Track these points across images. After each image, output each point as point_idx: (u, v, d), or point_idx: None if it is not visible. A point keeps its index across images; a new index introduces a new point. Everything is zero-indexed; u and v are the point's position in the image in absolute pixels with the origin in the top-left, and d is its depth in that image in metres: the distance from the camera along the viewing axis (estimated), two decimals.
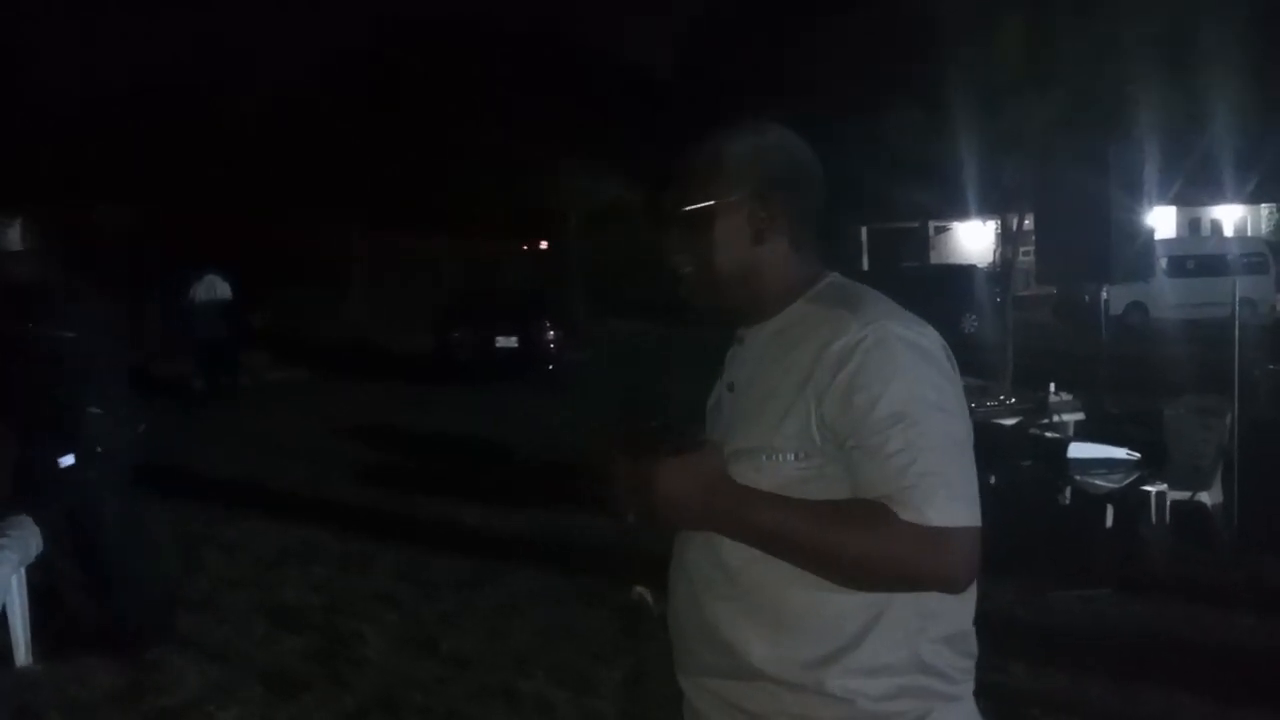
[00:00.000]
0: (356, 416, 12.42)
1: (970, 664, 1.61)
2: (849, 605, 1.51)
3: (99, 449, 4.70)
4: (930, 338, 1.54)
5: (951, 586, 1.48)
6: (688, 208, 1.64)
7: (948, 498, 1.44)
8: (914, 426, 1.44)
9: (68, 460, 4.64)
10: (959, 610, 1.57)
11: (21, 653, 4.75)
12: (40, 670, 4.73)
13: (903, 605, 1.51)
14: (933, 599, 1.51)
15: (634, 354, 17.63)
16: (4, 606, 4.64)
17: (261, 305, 17.59)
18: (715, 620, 1.59)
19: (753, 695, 1.57)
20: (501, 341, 15.96)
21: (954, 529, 1.44)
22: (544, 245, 24.96)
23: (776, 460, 1.52)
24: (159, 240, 19.89)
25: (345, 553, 6.61)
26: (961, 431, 1.51)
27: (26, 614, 4.80)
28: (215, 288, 14.75)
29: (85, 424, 4.68)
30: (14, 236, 4.71)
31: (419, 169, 29.91)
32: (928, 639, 1.53)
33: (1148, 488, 6.05)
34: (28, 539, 4.81)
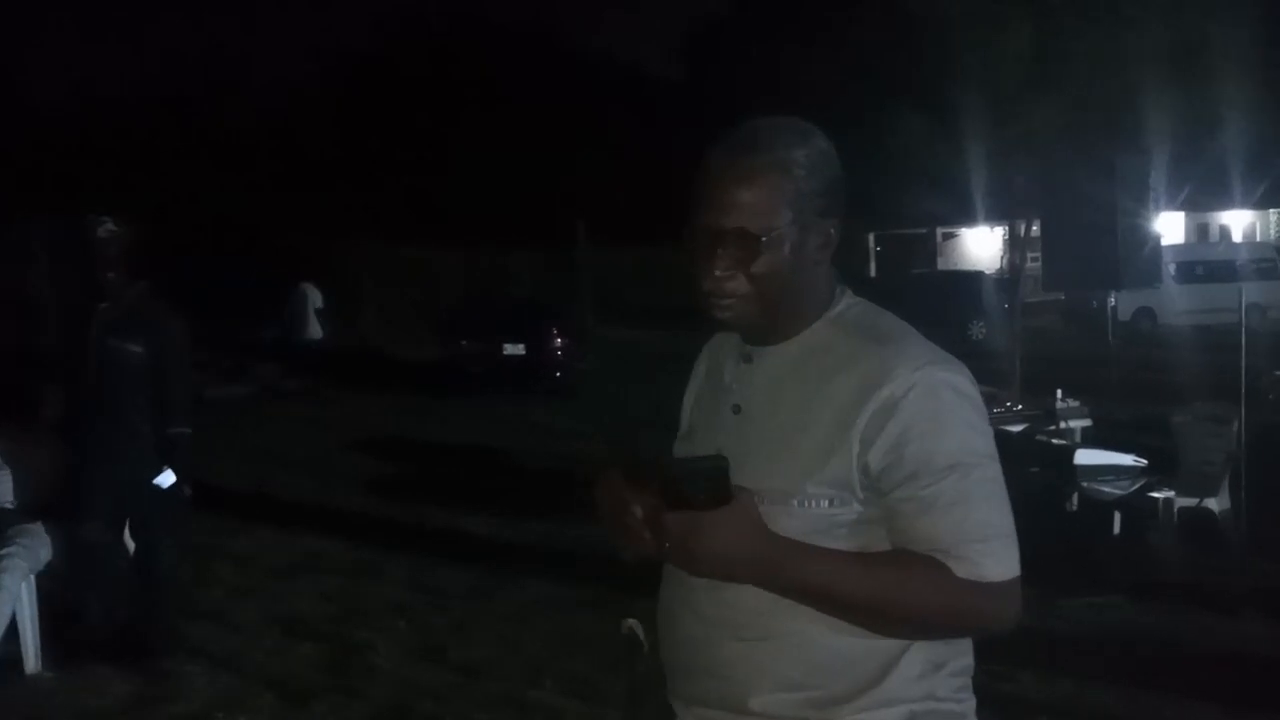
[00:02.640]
0: (365, 425, 12.45)
1: (970, 685, 1.60)
2: (874, 647, 1.48)
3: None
4: (967, 377, 1.52)
5: (1000, 632, 1.48)
6: (757, 230, 1.48)
7: (1002, 548, 1.44)
8: (966, 478, 1.43)
9: (169, 480, 4.68)
10: (970, 645, 1.58)
11: (32, 660, 4.77)
12: (51, 678, 4.75)
13: (923, 645, 1.50)
14: (955, 640, 1.53)
15: (641, 362, 17.66)
16: (14, 614, 4.66)
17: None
18: (731, 659, 1.52)
19: None
20: (509, 349, 15.96)
21: (1009, 580, 1.45)
22: (552, 253, 24.98)
23: (810, 506, 1.46)
24: (174, 248, 20.02)
25: (355, 562, 6.62)
26: (1002, 475, 1.50)
27: (37, 622, 4.83)
28: (310, 296, 17.07)
29: (181, 443, 4.74)
30: (111, 234, 4.75)
31: (427, 177, 30.00)
32: (943, 675, 1.53)
33: (1156, 494, 6.05)
34: (37, 547, 4.83)
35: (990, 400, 7.64)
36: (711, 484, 1.41)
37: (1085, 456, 6.31)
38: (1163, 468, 6.24)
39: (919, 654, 1.50)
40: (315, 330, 17.56)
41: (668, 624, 1.66)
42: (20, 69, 27.20)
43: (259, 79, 31.72)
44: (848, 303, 1.59)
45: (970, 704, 1.59)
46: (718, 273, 1.50)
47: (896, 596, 1.43)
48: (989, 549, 1.43)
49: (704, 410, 1.69)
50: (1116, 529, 6.12)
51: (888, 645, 1.48)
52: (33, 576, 4.82)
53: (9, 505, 4.92)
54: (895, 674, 1.49)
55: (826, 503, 1.46)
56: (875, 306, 1.61)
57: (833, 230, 1.55)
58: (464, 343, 16.37)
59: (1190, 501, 6.05)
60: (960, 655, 1.56)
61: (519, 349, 15.90)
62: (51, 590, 5.01)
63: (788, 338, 1.56)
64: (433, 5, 34.79)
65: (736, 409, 1.59)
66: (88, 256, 4.74)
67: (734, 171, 1.48)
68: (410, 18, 34.16)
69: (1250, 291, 11.39)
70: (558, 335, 16.00)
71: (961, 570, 1.41)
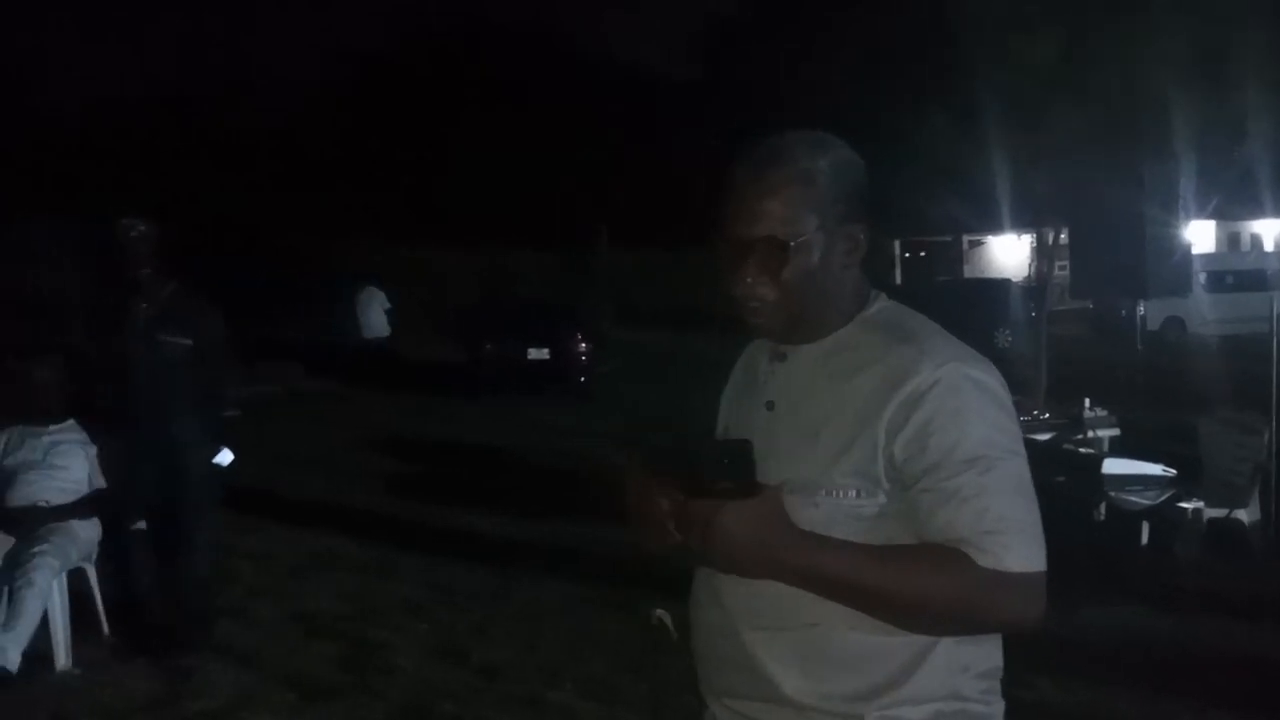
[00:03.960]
0: (388, 427, 12.49)
1: (999, 687, 1.61)
2: (897, 644, 1.49)
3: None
4: (995, 376, 1.54)
5: (1022, 629, 1.48)
6: (786, 239, 1.53)
7: (1023, 542, 1.45)
8: (989, 471, 1.45)
9: (228, 458, 4.93)
10: (998, 647, 1.58)
11: (61, 657, 4.82)
12: (79, 675, 4.79)
13: (949, 644, 1.51)
14: (980, 638, 1.54)
15: (654, 363, 17.66)
16: (46, 611, 4.71)
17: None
18: (754, 650, 1.56)
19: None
20: (534, 353, 15.98)
21: (1030, 573, 1.45)
22: (564, 254, 25.02)
23: (836, 497, 1.49)
24: (192, 251, 20.27)
25: (376, 562, 6.65)
26: (1028, 472, 1.51)
27: (67, 619, 4.88)
28: (376, 297, 18.36)
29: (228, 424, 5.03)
30: (141, 234, 4.86)
31: (451, 182, 30.11)
32: (970, 676, 1.54)
33: (1183, 504, 5.99)
34: (68, 546, 4.89)
35: (1016, 408, 7.60)
36: (734, 466, 1.43)
37: (1113, 466, 6.26)
38: (1191, 477, 6.18)
39: (945, 654, 1.51)
40: (383, 328, 18.93)
41: (696, 614, 1.69)
42: (30, 69, 27.50)
43: (271, 79, 31.90)
44: (880, 305, 1.63)
45: (999, 707, 1.59)
46: (748, 280, 1.55)
47: (916, 586, 1.44)
48: (1009, 540, 1.44)
49: (739, 410, 1.74)
50: (1144, 539, 6.06)
51: (912, 643, 1.49)
52: (63, 574, 4.88)
53: (43, 503, 4.97)
54: (920, 672, 1.50)
55: (854, 493, 1.49)
56: (907, 309, 1.64)
57: (860, 235, 1.59)
58: (489, 346, 16.40)
59: (1219, 512, 5.99)
60: (987, 658, 1.57)
61: (544, 354, 15.92)
62: (101, 585, 5.13)
63: (820, 338, 1.61)
64: (448, 6, 34.96)
65: (770, 405, 1.63)
66: (121, 257, 4.83)
67: (759, 183, 1.54)
68: (425, 19, 34.33)
69: None
70: (581, 340, 16.01)
71: (984, 561, 1.43)
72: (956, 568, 1.43)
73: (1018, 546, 1.44)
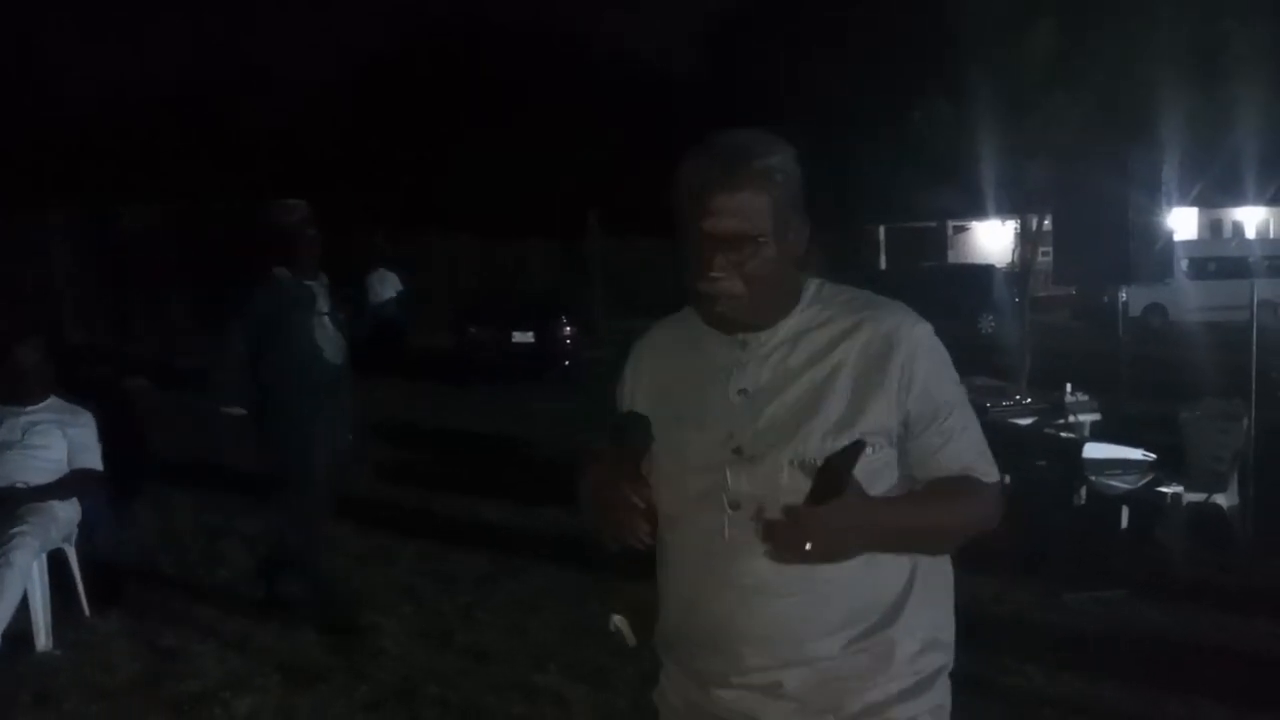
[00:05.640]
0: (374, 412, 12.40)
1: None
2: (893, 565, 1.69)
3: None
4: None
5: (994, 527, 1.76)
6: (753, 233, 1.63)
7: (992, 456, 1.76)
8: (963, 406, 1.74)
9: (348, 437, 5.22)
10: (950, 569, 1.82)
11: (42, 638, 4.82)
12: (60, 655, 4.79)
13: (928, 569, 1.74)
14: (949, 567, 1.79)
15: None
16: (26, 591, 4.70)
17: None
18: (779, 615, 1.65)
19: (811, 676, 1.66)
20: (518, 338, 15.98)
21: (1000, 480, 1.79)
22: (562, 243, 25.00)
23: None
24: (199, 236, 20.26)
25: (364, 546, 6.65)
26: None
27: (48, 599, 4.88)
28: (387, 280, 17.90)
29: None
30: (299, 217, 4.96)
31: (437, 166, 30.00)
32: (945, 593, 1.79)
33: (1164, 489, 6.04)
34: (46, 526, 4.87)
35: (999, 394, 7.66)
36: (842, 470, 1.52)
37: (1093, 450, 6.30)
38: (1171, 463, 6.23)
39: (925, 576, 1.73)
40: (393, 309, 18.84)
41: (690, 604, 1.74)
42: (30, 68, 27.28)
43: (273, 76, 31.80)
44: (816, 283, 1.78)
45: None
46: (714, 274, 1.64)
47: (955, 514, 1.71)
48: (990, 457, 1.75)
49: (692, 397, 1.74)
50: (1124, 524, 6.11)
51: (900, 569, 1.70)
52: (44, 554, 4.87)
53: (22, 484, 4.95)
54: (913, 599, 1.71)
55: (870, 449, 1.60)
56: (836, 283, 1.80)
57: (806, 228, 1.73)
58: (474, 331, 16.40)
59: (1199, 497, 6.04)
60: (952, 587, 1.82)
61: (528, 337, 15.92)
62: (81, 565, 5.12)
63: (777, 322, 1.72)
64: (445, 3, 34.82)
65: (743, 392, 1.69)
66: (283, 240, 4.95)
67: (727, 180, 1.62)
68: (423, 14, 34.18)
69: (1262, 288, 11.34)
70: (566, 325, 16.01)
71: (988, 478, 1.73)
72: (973, 490, 1.71)
73: (993, 461, 1.75)
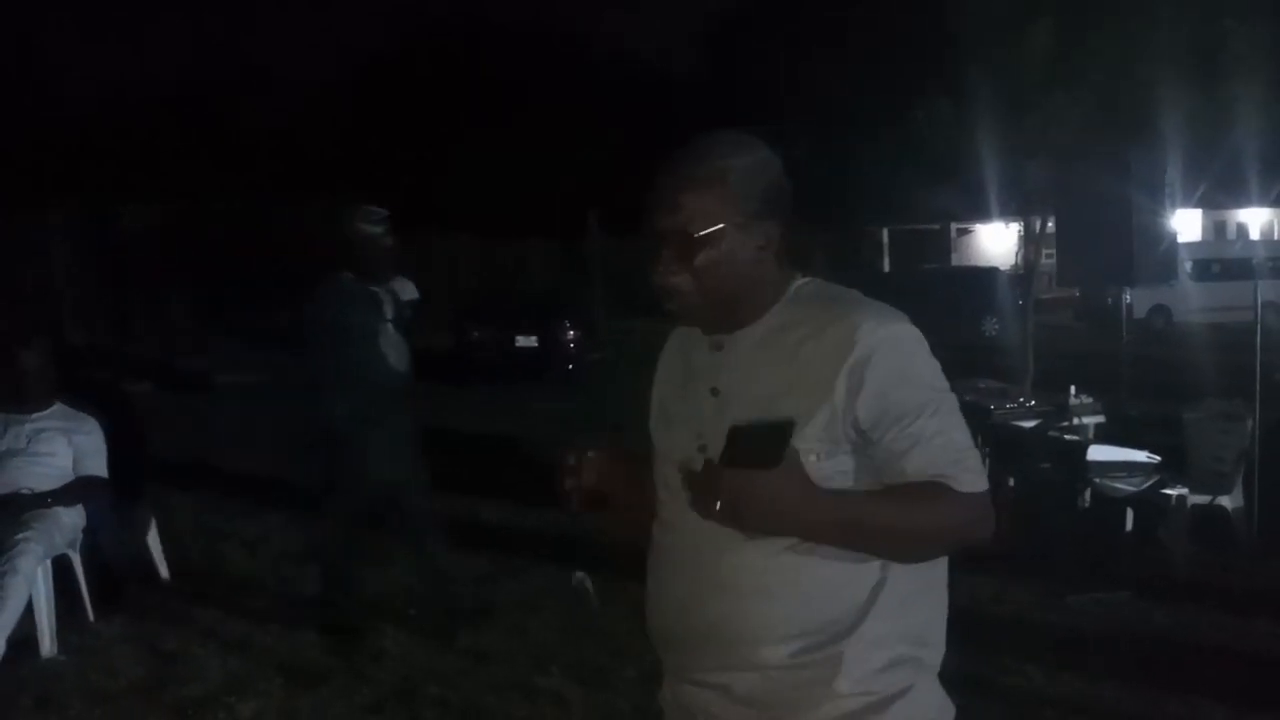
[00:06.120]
0: None
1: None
2: (855, 575, 1.62)
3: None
4: (913, 326, 1.68)
5: (985, 541, 1.66)
6: (694, 231, 1.65)
7: (977, 465, 1.64)
8: (939, 411, 1.63)
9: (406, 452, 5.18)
10: (944, 581, 1.73)
11: (47, 643, 4.82)
12: (64, 660, 4.79)
13: (899, 574, 1.64)
14: (934, 568, 1.69)
15: (651, 354, 17.60)
16: (30, 597, 4.70)
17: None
18: (730, 615, 1.64)
19: (760, 683, 1.64)
20: (521, 341, 15.96)
21: (985, 491, 1.66)
22: (562, 243, 25.00)
23: (803, 460, 1.58)
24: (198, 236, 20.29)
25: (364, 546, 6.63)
26: (957, 400, 1.70)
27: (52, 605, 4.87)
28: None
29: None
30: (378, 226, 5.01)
31: (437, 166, 29.99)
32: (926, 607, 1.69)
33: (1168, 491, 6.02)
34: (51, 532, 4.87)
35: (1003, 396, 7.64)
36: (766, 443, 1.50)
37: (1098, 453, 6.29)
38: (1176, 465, 6.22)
39: (895, 582, 1.64)
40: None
41: (658, 592, 1.77)
42: (29, 67, 27.32)
43: (273, 76, 31.83)
44: (800, 283, 1.74)
45: (939, 657, 1.73)
46: (663, 269, 1.67)
47: (916, 519, 1.61)
48: (971, 465, 1.63)
49: (677, 398, 1.81)
50: (1128, 525, 6.10)
51: (866, 572, 1.63)
52: (48, 560, 4.87)
53: (27, 491, 4.95)
54: (878, 607, 1.63)
55: (814, 457, 1.59)
56: (825, 282, 1.76)
57: (775, 232, 1.70)
58: (476, 333, 16.38)
59: (1203, 499, 6.02)
60: (940, 589, 1.73)
61: (531, 341, 15.91)
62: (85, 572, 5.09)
63: (749, 324, 1.71)
64: (445, 3, 34.86)
65: (714, 392, 1.72)
66: (368, 246, 5.00)
67: (677, 179, 1.66)
68: (423, 14, 34.21)
69: (1266, 290, 11.29)
70: (570, 328, 15.99)
71: (963, 487, 1.61)
72: (943, 497, 1.60)
73: (976, 469, 1.64)
